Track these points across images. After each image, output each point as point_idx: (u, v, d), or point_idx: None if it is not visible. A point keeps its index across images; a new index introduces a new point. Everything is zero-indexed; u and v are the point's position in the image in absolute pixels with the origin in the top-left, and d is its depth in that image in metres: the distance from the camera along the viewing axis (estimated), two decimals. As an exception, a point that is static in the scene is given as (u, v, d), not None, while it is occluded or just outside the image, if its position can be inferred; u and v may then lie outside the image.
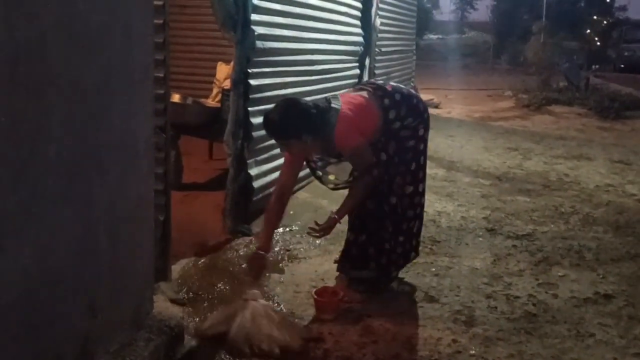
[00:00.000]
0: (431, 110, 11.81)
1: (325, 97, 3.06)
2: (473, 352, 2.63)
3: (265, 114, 2.94)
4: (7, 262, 1.67)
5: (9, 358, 1.74)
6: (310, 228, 3.03)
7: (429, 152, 6.68)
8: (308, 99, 3.24)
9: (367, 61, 7.32)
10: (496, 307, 3.04)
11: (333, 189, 3.27)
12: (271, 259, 3.38)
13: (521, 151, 7.14)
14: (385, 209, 3.10)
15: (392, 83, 3.26)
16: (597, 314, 3.02)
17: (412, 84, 10.35)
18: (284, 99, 3.05)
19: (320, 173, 3.22)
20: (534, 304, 3.09)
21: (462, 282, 3.33)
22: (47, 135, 1.76)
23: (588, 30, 15.52)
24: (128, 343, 2.22)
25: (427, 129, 3.21)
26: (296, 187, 4.70)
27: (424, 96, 11.03)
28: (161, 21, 2.81)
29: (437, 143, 7.49)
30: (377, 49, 7.62)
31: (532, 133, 8.57)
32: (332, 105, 2.95)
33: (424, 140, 3.20)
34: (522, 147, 7.40)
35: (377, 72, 7.54)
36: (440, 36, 28.33)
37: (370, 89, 3.12)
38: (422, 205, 3.26)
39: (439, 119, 9.69)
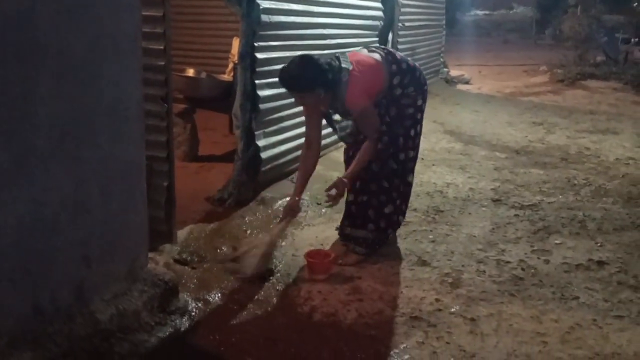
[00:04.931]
0: (461, 87, 11.66)
1: (335, 55, 3.14)
2: (453, 310, 2.73)
3: (282, 68, 3.07)
4: (1, 211, 1.88)
5: (8, 298, 1.96)
6: (328, 195, 3.15)
7: (450, 128, 6.82)
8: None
9: (389, 36, 7.36)
10: (484, 271, 3.12)
11: (341, 138, 3.47)
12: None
13: (546, 125, 7.05)
14: (388, 172, 3.23)
15: (399, 53, 3.35)
16: (586, 279, 3.06)
17: (441, 59, 10.27)
18: (300, 54, 3.14)
19: (335, 125, 3.40)
20: (522, 269, 3.15)
21: (456, 248, 3.42)
22: (37, 99, 1.95)
23: (635, 3, 14.88)
24: (123, 293, 2.42)
25: (425, 100, 3.35)
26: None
27: (455, 72, 11.01)
28: (160, -4, 2.98)
29: (461, 118, 7.47)
30: (400, 24, 7.62)
31: (561, 108, 8.41)
32: (342, 65, 3.07)
33: (421, 110, 3.33)
34: (548, 121, 7.30)
35: (400, 47, 7.53)
36: (486, 12, 27.50)
37: (382, 53, 3.25)
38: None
39: (468, 94, 9.60)
